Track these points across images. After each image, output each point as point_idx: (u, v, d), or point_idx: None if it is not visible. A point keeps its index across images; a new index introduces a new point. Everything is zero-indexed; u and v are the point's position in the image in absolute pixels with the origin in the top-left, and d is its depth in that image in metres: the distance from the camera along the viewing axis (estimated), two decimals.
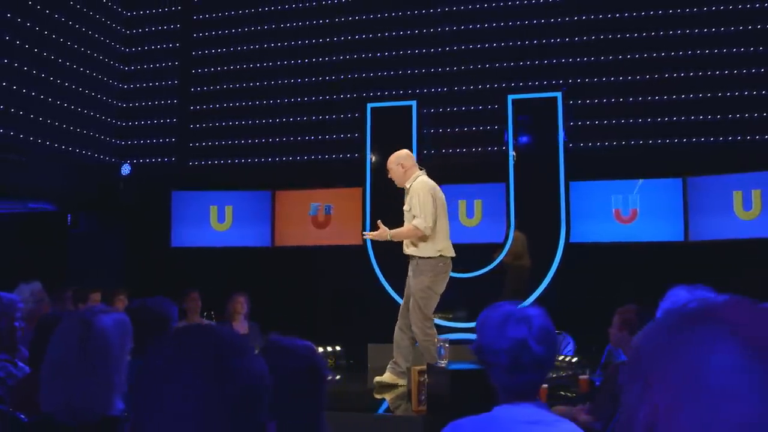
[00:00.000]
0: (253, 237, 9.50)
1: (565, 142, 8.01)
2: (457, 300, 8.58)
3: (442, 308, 8.54)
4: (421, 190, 5.46)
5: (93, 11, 9.84)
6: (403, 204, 5.62)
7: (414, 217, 5.40)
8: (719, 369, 0.75)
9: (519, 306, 1.90)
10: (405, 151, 5.85)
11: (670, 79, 8.58)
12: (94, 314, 2.09)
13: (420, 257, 5.36)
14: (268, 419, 1.02)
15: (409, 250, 5.46)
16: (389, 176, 5.64)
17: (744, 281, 7.80)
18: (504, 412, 1.82)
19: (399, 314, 5.37)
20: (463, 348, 6.77)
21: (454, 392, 3.60)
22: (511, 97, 8.30)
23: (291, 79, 9.91)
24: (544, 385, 4.44)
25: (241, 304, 6.94)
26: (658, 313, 2.07)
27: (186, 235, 9.50)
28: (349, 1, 9.75)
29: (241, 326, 6.91)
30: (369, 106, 8.59)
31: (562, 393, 4.18)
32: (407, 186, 5.52)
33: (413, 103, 8.49)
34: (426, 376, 4.11)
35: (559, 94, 8.15)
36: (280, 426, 1.80)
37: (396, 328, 5.32)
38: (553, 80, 8.84)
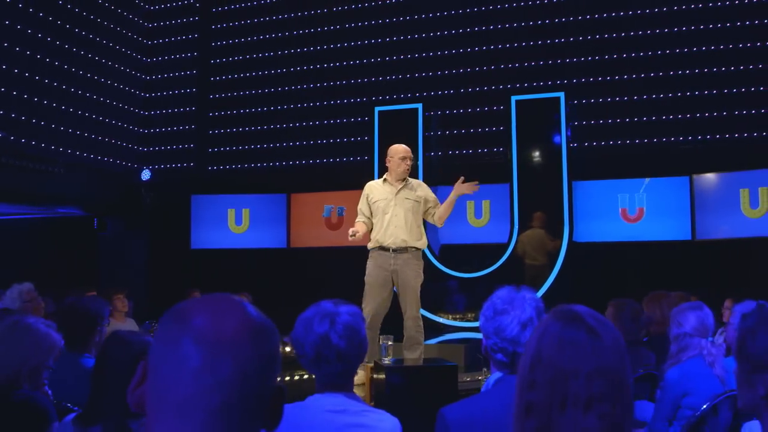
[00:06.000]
0: (269, 239, 9.78)
1: (568, 137, 8.03)
2: (465, 299, 8.70)
3: (451, 308, 8.70)
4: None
5: (114, 24, 10.28)
6: (408, 199, 5.54)
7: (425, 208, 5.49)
8: (162, 356, 0.92)
9: (336, 305, 2.08)
10: None
11: (675, 77, 8.51)
12: None
13: (421, 249, 5.44)
14: None
15: (417, 242, 5.40)
16: (408, 166, 5.47)
17: (751, 279, 7.73)
18: (314, 401, 2.00)
19: (368, 314, 5.35)
20: (456, 347, 6.90)
21: (391, 387, 3.76)
22: (514, 98, 8.37)
23: (303, 85, 10.17)
24: None
25: None
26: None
27: (205, 237, 9.85)
28: (355, 8, 9.96)
29: None
30: (376, 109, 8.78)
31: None
32: (408, 179, 5.53)
33: (419, 106, 8.65)
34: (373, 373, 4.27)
35: (562, 94, 8.18)
36: (113, 405, 2.03)
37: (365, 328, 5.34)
38: (557, 80, 8.86)
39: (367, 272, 5.40)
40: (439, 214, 5.56)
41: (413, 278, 5.33)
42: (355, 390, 5.22)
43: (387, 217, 5.38)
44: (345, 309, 2.07)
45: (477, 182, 5.58)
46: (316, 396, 2.02)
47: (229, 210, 9.84)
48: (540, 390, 1.19)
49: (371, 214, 5.49)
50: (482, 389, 2.17)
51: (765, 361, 1.37)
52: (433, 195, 5.63)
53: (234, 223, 9.83)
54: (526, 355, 1.24)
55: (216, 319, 0.94)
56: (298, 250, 9.68)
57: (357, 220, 5.56)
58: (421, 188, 5.55)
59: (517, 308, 2.05)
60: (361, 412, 1.97)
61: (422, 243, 5.43)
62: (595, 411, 1.15)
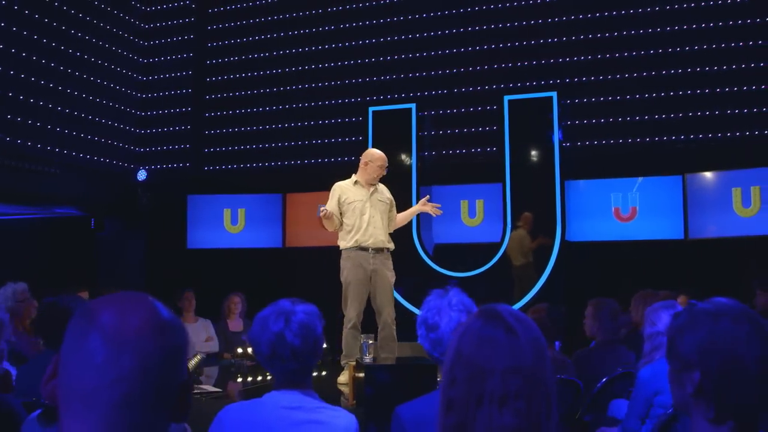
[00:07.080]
0: (265, 238, 9.81)
1: (560, 141, 8.05)
2: None
3: None
4: None
5: (111, 25, 10.33)
6: (381, 201, 5.68)
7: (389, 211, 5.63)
8: (71, 351, 0.98)
9: (294, 304, 2.12)
10: None
11: (668, 76, 8.53)
12: None
13: (391, 250, 5.56)
14: None
15: (390, 244, 5.57)
16: (383, 175, 5.66)
17: (743, 278, 7.73)
18: (271, 397, 2.04)
19: (354, 316, 5.39)
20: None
21: (372, 385, 3.80)
22: (507, 98, 8.38)
23: (298, 86, 10.21)
24: None
25: (235, 303, 7.24)
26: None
27: (201, 237, 9.89)
28: (350, 9, 10.00)
29: (236, 324, 7.22)
30: (370, 109, 8.82)
31: None
32: (377, 184, 5.64)
33: (412, 106, 8.68)
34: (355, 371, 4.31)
35: (554, 94, 8.19)
36: None
37: (350, 329, 5.38)
38: (550, 80, 8.88)
39: (345, 272, 5.44)
40: (396, 221, 5.77)
41: (391, 277, 5.48)
42: (341, 389, 5.26)
43: (365, 218, 5.44)
44: (301, 308, 2.11)
45: (439, 205, 5.88)
46: (273, 393, 2.06)
47: (225, 210, 9.88)
48: (459, 387, 1.22)
49: (341, 214, 5.53)
50: (439, 387, 2.20)
51: (692, 360, 1.40)
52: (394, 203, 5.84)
53: (230, 223, 9.87)
54: (448, 352, 1.28)
55: (121, 316, 1.00)
56: (294, 249, 9.70)
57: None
58: (387, 191, 5.74)
59: (445, 318, 2.10)
60: (317, 409, 2.00)
61: (392, 245, 5.62)
62: (510, 408, 1.18)
